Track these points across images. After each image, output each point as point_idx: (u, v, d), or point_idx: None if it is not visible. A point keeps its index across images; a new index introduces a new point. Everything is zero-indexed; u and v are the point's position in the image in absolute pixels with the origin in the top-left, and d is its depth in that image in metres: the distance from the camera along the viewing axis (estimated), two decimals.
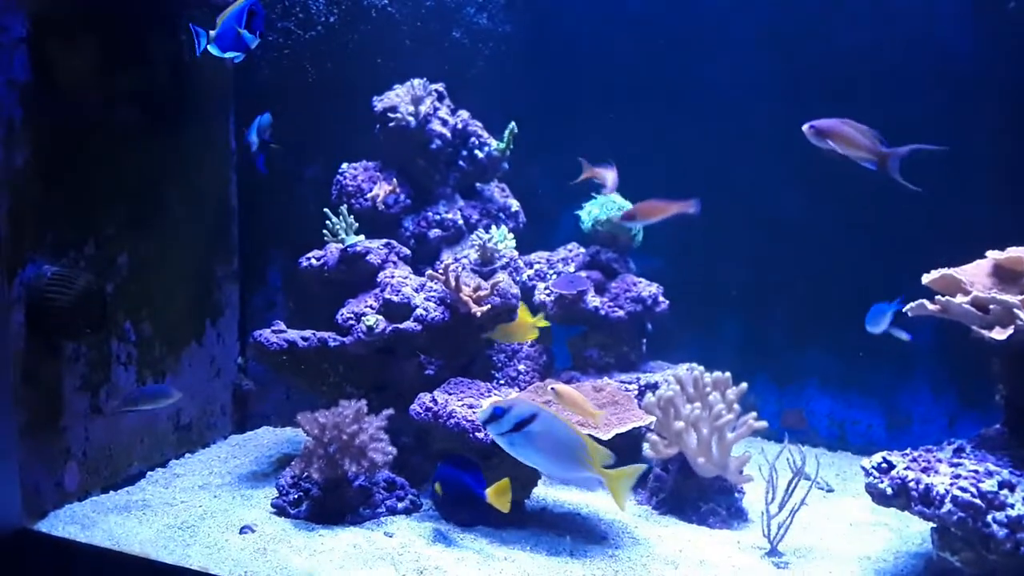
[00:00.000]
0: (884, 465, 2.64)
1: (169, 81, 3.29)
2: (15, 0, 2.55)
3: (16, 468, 2.60)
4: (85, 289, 2.68)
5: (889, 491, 2.56)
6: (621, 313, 3.42)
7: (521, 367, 3.44)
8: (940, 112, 3.63)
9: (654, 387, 3.22)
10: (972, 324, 2.56)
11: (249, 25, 2.70)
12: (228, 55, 2.77)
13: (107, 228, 2.98)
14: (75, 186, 2.83)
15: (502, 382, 3.39)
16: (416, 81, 3.50)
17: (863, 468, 2.71)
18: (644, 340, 3.57)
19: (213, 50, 2.74)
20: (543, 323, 3.15)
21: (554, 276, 3.62)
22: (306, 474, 2.76)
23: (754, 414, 2.85)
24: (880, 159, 2.63)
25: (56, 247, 2.75)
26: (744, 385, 2.89)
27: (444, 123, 3.53)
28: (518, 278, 3.50)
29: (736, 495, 2.97)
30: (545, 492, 3.07)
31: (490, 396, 3.01)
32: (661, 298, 3.49)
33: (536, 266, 3.64)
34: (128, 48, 3.07)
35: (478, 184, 3.73)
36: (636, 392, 3.18)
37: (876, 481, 2.61)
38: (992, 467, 2.49)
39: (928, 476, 2.52)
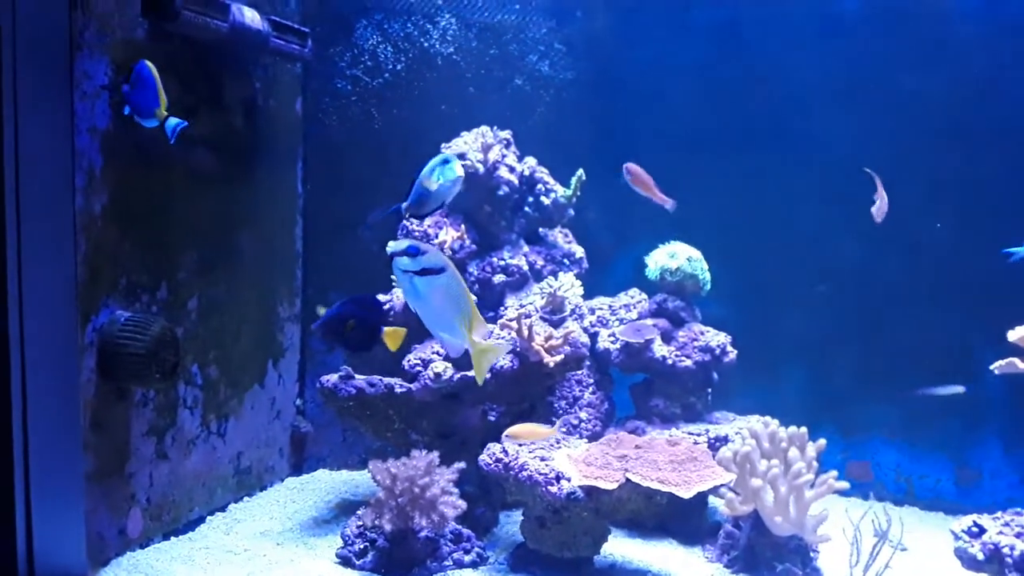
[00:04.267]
0: (975, 529, 2.56)
1: (242, 126, 3.33)
2: (99, 48, 2.58)
3: (82, 516, 2.57)
4: (159, 335, 2.68)
5: (981, 556, 2.48)
6: (688, 363, 3.36)
7: (583, 415, 3.39)
8: (1012, 161, 3.58)
9: (724, 440, 3.15)
10: None
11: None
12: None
13: (179, 272, 2.99)
14: (149, 231, 2.85)
15: (563, 430, 3.34)
16: (485, 128, 3.51)
17: (952, 532, 2.63)
18: (710, 390, 3.50)
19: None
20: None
21: (616, 323, 3.57)
22: (376, 524, 2.71)
23: (834, 473, 2.77)
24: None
25: (129, 292, 2.76)
26: (823, 441, 2.82)
27: (511, 170, 3.52)
28: (581, 324, 3.46)
29: (812, 554, 2.88)
30: (614, 549, 3.00)
31: (559, 446, 2.96)
32: (729, 348, 3.43)
33: (598, 312, 3.60)
34: (204, 93, 3.11)
35: (542, 230, 3.71)
36: (705, 445, 3.11)
37: (967, 546, 2.53)
38: None
39: (1022, 542, 2.44)
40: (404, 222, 3.57)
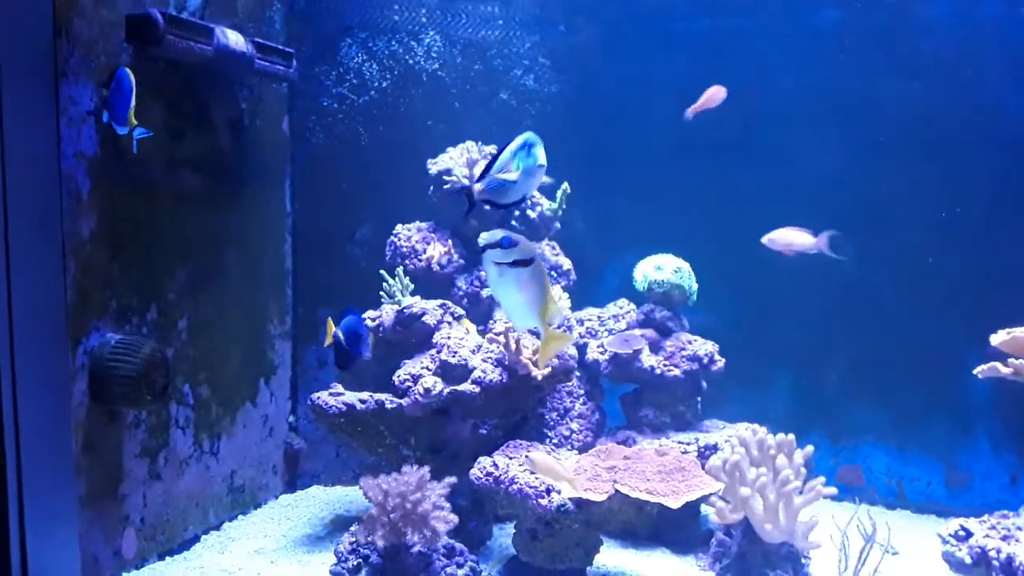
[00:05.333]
0: (962, 533, 2.58)
1: (229, 147, 3.36)
2: (84, 74, 2.61)
3: (76, 539, 2.57)
4: (149, 357, 2.69)
5: (968, 560, 2.50)
6: (677, 372, 3.39)
7: (574, 425, 3.41)
8: (996, 168, 3.62)
9: (713, 448, 3.17)
10: None
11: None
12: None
13: (169, 293, 3.01)
14: (138, 253, 2.87)
15: (555, 441, 3.36)
16: (470, 143, 3.55)
17: (940, 536, 2.64)
18: (699, 399, 3.52)
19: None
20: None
21: (605, 333, 3.60)
22: (369, 540, 2.72)
23: (822, 479, 2.78)
24: None
25: (120, 314, 2.78)
26: (810, 448, 2.83)
27: None
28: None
29: (803, 561, 2.89)
30: (607, 560, 3.02)
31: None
32: (717, 356, 3.46)
33: (587, 323, 3.62)
34: (191, 115, 3.14)
35: None
36: (695, 454, 3.14)
37: (954, 549, 2.54)
38: None
39: (1009, 545, 2.45)
40: (394, 237, 3.59)
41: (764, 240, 3.26)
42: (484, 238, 2.06)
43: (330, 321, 2.90)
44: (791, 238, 3.20)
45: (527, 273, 2.04)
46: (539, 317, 2.08)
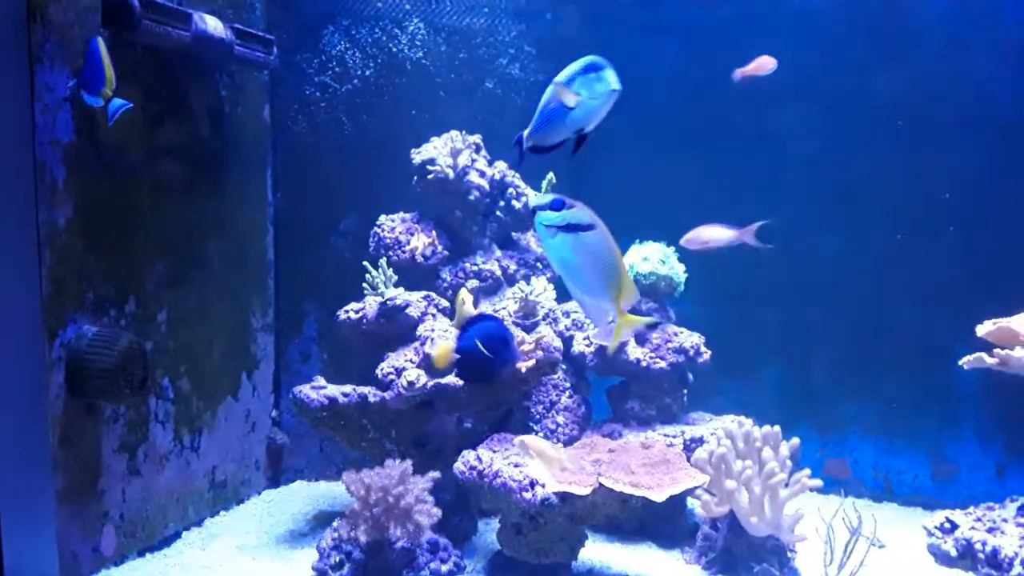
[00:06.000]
0: (947, 525, 2.57)
1: (209, 135, 3.30)
2: (60, 59, 2.55)
3: (54, 536, 2.54)
4: (127, 350, 2.64)
5: (953, 552, 2.50)
6: (663, 364, 3.36)
7: (560, 419, 3.37)
8: (983, 157, 3.60)
9: (699, 441, 3.15)
10: None
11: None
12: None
13: (148, 284, 2.96)
14: (116, 243, 2.81)
15: (541, 435, 3.32)
16: (454, 133, 3.49)
17: (925, 528, 2.64)
18: (686, 391, 3.50)
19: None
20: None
21: (591, 325, 3.56)
22: (351, 536, 2.69)
23: (807, 471, 2.77)
24: None
25: (97, 306, 2.72)
26: (796, 440, 2.82)
27: (482, 174, 3.51)
28: (556, 328, 3.45)
29: (789, 554, 2.88)
30: (593, 554, 2.99)
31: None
32: (703, 348, 3.43)
33: (573, 316, 3.58)
34: (169, 104, 3.08)
35: (515, 234, 3.70)
36: (681, 446, 3.12)
37: (939, 542, 2.54)
38: None
39: (995, 537, 2.45)
40: (377, 228, 3.54)
41: (682, 242, 3.12)
42: (534, 200, 1.89)
43: (443, 346, 2.76)
44: (707, 235, 3.05)
45: (585, 239, 1.82)
46: (608, 293, 1.83)
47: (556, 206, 1.85)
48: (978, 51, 3.64)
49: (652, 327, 3.00)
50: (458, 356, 2.64)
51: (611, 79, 1.86)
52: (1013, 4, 3.55)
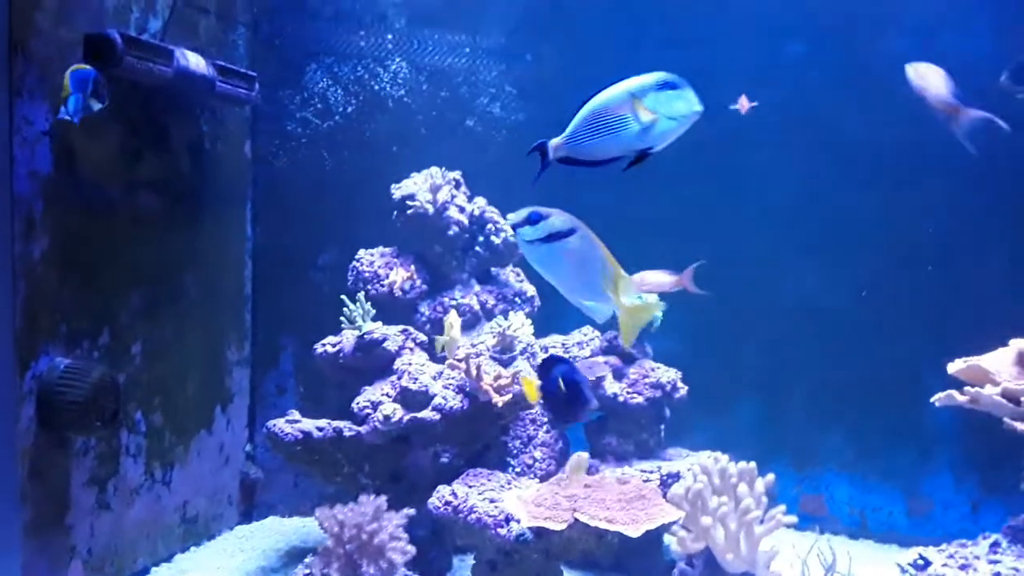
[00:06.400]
0: (920, 562, 2.57)
1: (189, 170, 3.32)
2: (40, 93, 2.57)
3: (19, 570, 2.50)
4: (99, 382, 2.63)
5: None
6: (640, 400, 3.37)
7: (537, 454, 3.36)
8: (956, 194, 3.67)
9: (676, 477, 3.15)
10: (1004, 416, 2.52)
11: (96, 93, 2.59)
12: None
13: (122, 317, 2.94)
14: (92, 275, 2.81)
15: (517, 469, 3.31)
16: (435, 169, 3.54)
17: (899, 565, 2.64)
18: (663, 426, 3.51)
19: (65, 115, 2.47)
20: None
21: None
22: (324, 573, 2.65)
23: (782, 508, 2.77)
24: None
25: (70, 338, 2.71)
26: (771, 476, 2.82)
27: (461, 210, 3.54)
28: (534, 363, 3.46)
29: None
30: None
31: (509, 488, 2.94)
32: (680, 384, 3.45)
33: (551, 350, 3.60)
34: (150, 138, 3.10)
35: (494, 269, 3.73)
36: (658, 482, 3.11)
37: None
38: None
39: (967, 574, 2.45)
40: (356, 262, 3.55)
41: (634, 279, 3.08)
42: (511, 218, 1.90)
43: (526, 379, 2.74)
44: (649, 280, 3.05)
45: (568, 245, 1.85)
46: (604, 290, 1.87)
47: (534, 219, 1.88)
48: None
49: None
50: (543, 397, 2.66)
51: (693, 99, 1.76)
52: (976, 46, 3.65)
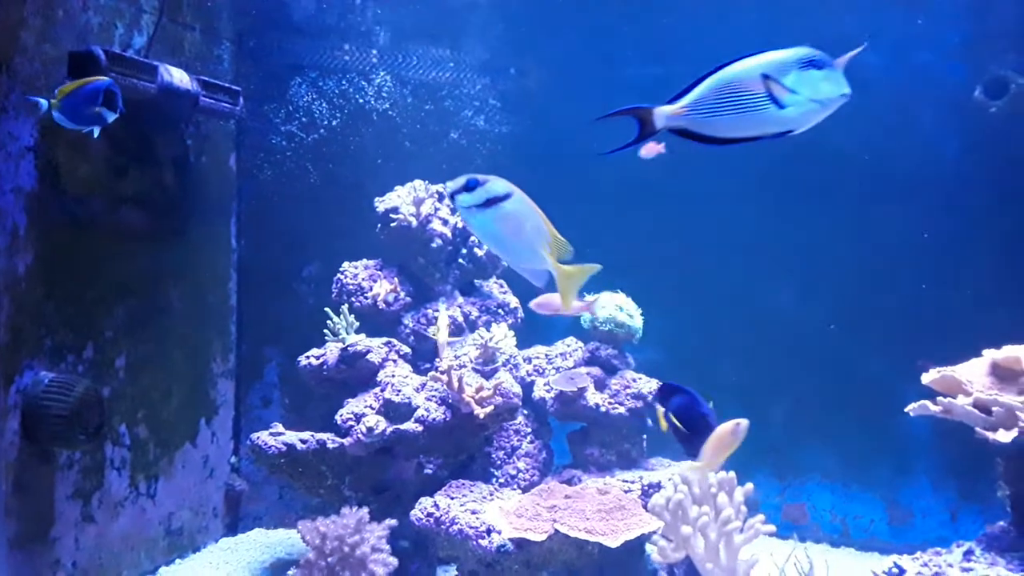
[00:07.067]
0: (895, 570, 2.61)
1: (173, 184, 3.34)
2: (24, 109, 2.59)
3: None
4: (83, 396, 2.64)
5: None
6: (622, 410, 3.40)
7: (521, 464, 3.39)
8: (927, 213, 3.73)
9: (657, 487, 3.17)
10: (976, 425, 2.56)
11: (108, 103, 2.62)
12: (83, 128, 2.57)
13: (106, 331, 2.96)
14: (76, 290, 2.82)
15: (501, 480, 3.34)
16: (418, 183, 3.57)
17: (874, 573, 2.68)
18: (644, 436, 3.54)
19: (60, 120, 2.50)
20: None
21: (553, 371, 3.60)
22: None
23: (761, 517, 2.80)
24: None
25: (55, 352, 2.73)
26: (750, 486, 2.85)
27: (445, 223, 3.58)
28: (517, 374, 3.49)
29: None
30: None
31: (492, 499, 2.96)
32: None
33: (535, 361, 3.63)
34: (134, 152, 3.12)
35: (477, 281, 3.76)
36: (639, 492, 3.14)
37: None
38: (1004, 572, 2.46)
39: None
40: (340, 274, 3.57)
41: (532, 304, 3.14)
42: (449, 186, 1.91)
43: (659, 409, 2.66)
44: (557, 302, 3.05)
45: (505, 209, 1.86)
46: (541, 253, 1.88)
47: (471, 185, 1.88)
48: (922, 111, 3.80)
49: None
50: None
51: (841, 81, 1.56)
52: (951, 66, 3.71)
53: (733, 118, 1.59)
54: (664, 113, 1.62)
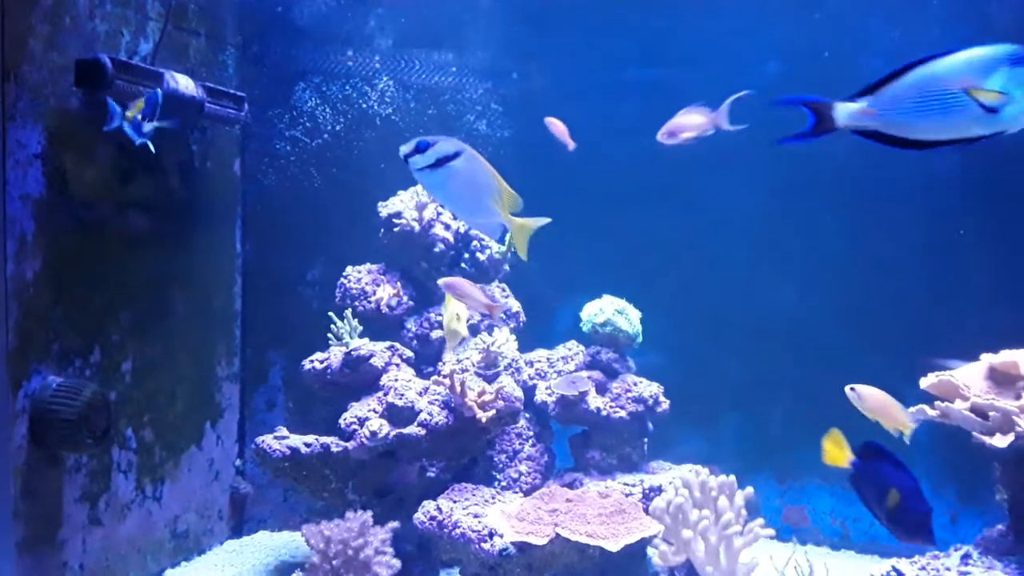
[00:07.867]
0: (893, 574, 2.64)
1: (179, 189, 3.37)
2: (32, 117, 2.62)
3: None
4: (90, 401, 2.67)
5: None
6: (623, 414, 3.43)
7: (523, 468, 3.42)
8: (927, 216, 3.75)
9: (658, 490, 3.20)
10: (973, 430, 2.59)
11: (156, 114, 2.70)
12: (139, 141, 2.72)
13: (113, 335, 2.99)
14: (83, 295, 2.85)
15: (504, 484, 3.37)
16: (420, 187, 3.59)
17: None
18: (646, 440, 3.56)
19: (129, 132, 2.68)
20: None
21: (554, 375, 3.63)
22: None
23: (761, 521, 2.83)
24: None
25: (62, 357, 2.76)
26: (751, 489, 2.88)
27: (447, 227, 3.60)
28: (519, 377, 3.52)
29: None
30: None
31: (494, 502, 2.99)
32: (662, 398, 3.50)
33: (536, 365, 3.66)
34: (140, 158, 3.13)
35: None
36: (640, 496, 3.17)
37: None
38: (1001, 575, 2.49)
39: None
40: (344, 279, 3.60)
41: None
42: (402, 149, 1.96)
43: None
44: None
45: (455, 167, 1.93)
46: (494, 207, 1.95)
47: (422, 147, 1.93)
48: None
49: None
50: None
51: None
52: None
53: (932, 119, 1.48)
54: (848, 111, 1.54)
